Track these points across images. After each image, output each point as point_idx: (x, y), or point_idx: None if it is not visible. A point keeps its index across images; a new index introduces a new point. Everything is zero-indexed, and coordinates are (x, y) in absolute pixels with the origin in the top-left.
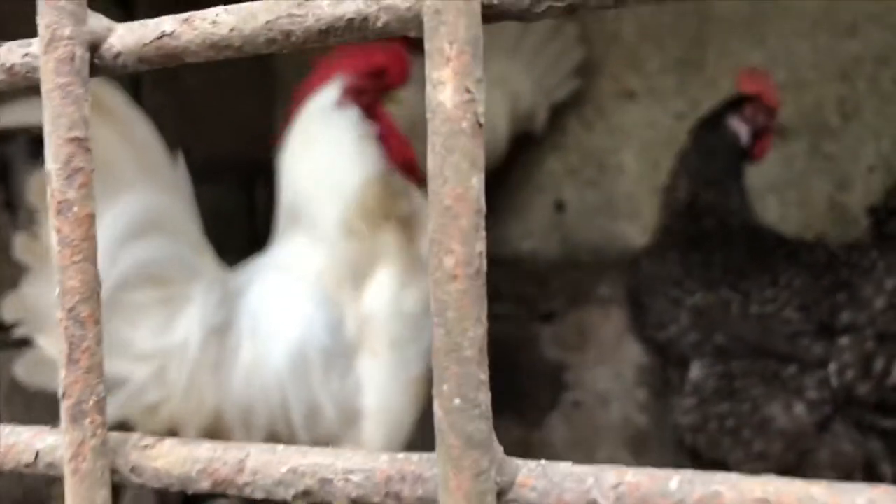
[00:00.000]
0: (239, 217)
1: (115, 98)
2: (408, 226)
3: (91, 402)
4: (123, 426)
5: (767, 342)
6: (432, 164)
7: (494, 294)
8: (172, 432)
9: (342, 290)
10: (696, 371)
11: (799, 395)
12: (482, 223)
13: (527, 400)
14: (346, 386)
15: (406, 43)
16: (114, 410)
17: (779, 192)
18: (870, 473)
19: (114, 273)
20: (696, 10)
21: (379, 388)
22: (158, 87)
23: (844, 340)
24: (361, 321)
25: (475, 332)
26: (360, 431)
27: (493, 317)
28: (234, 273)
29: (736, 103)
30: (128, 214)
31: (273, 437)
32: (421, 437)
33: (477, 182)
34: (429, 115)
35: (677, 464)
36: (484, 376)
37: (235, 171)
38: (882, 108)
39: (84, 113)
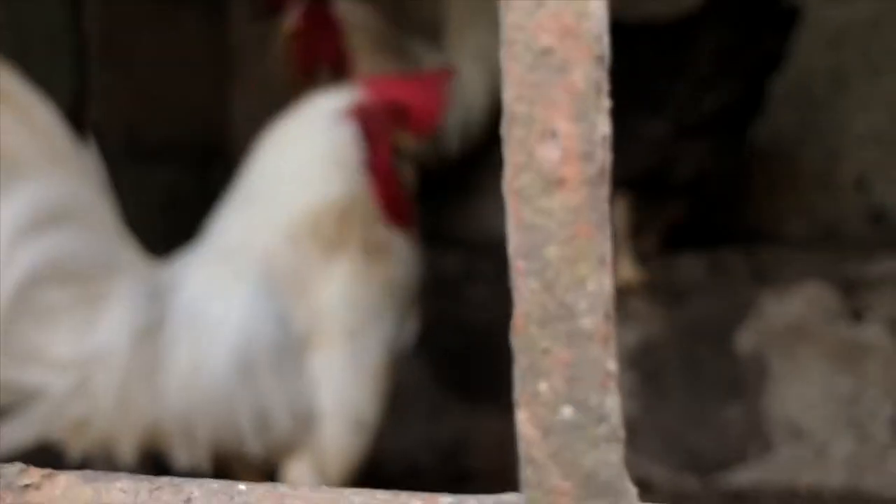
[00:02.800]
0: (194, 202)
1: (10, 80)
2: (374, 258)
3: None
4: (46, 447)
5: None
6: None
7: (470, 276)
8: (105, 450)
9: (287, 280)
10: None
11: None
12: (605, 85)
13: (507, 389)
14: (300, 386)
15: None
16: (31, 428)
17: (765, 164)
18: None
19: (17, 270)
20: None
21: (338, 385)
22: (107, 67)
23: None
24: (312, 311)
25: (599, 283)
26: (319, 436)
27: (470, 303)
28: (164, 265)
29: None
30: (29, 204)
31: (219, 449)
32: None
33: (598, 8)
34: None
35: (669, 450)
36: (613, 365)
37: (190, 153)
38: (873, 78)
39: None
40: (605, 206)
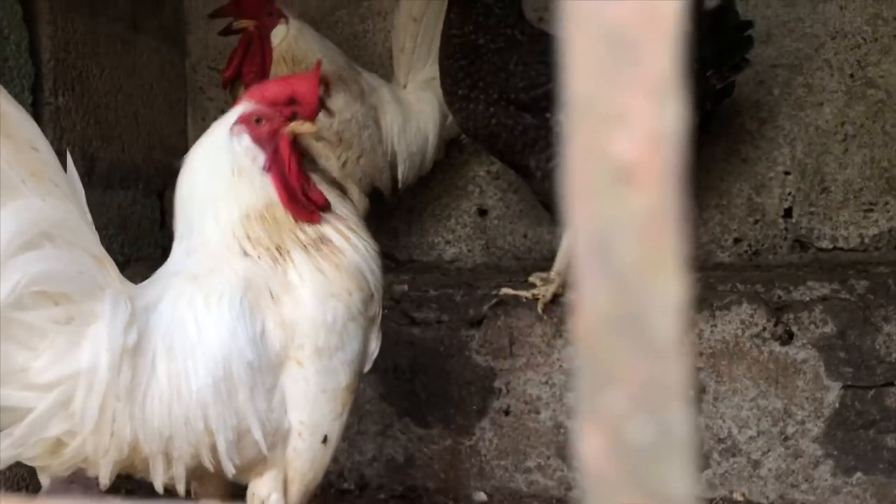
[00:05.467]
0: (150, 224)
1: None
2: (320, 248)
3: None
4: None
5: None
6: None
7: (420, 300)
8: (80, 470)
9: (259, 298)
10: None
11: None
12: (683, 66)
13: (456, 408)
14: (273, 404)
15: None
16: (9, 449)
17: (698, 197)
18: None
19: (1, 291)
20: None
21: (307, 402)
22: (62, 90)
23: None
24: (283, 330)
25: (673, 287)
26: (286, 448)
27: (419, 323)
28: (140, 286)
29: None
30: (13, 224)
31: (195, 468)
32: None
33: None
34: None
35: None
36: (684, 376)
37: (146, 176)
38: (795, 113)
39: None
40: (683, 202)
